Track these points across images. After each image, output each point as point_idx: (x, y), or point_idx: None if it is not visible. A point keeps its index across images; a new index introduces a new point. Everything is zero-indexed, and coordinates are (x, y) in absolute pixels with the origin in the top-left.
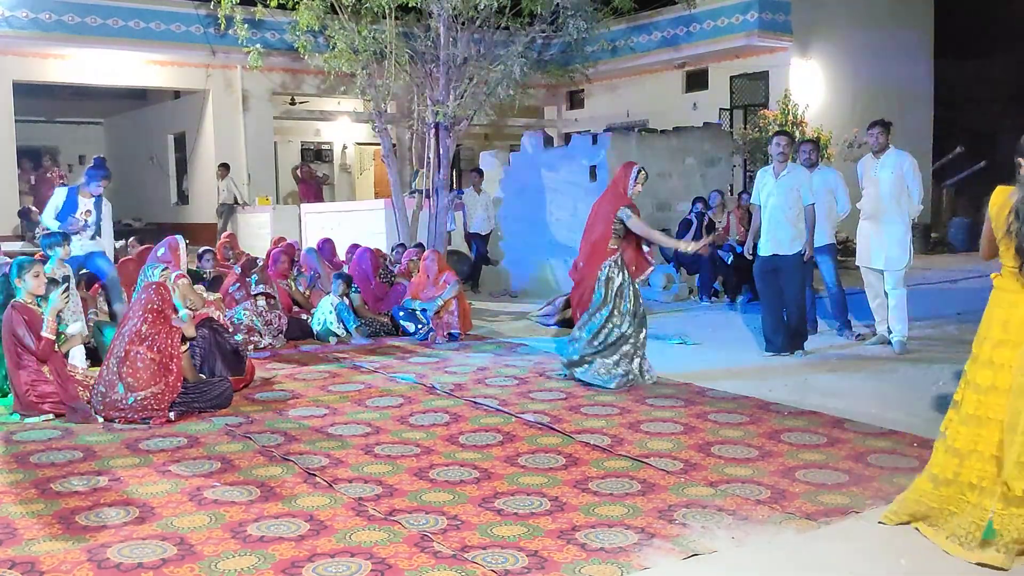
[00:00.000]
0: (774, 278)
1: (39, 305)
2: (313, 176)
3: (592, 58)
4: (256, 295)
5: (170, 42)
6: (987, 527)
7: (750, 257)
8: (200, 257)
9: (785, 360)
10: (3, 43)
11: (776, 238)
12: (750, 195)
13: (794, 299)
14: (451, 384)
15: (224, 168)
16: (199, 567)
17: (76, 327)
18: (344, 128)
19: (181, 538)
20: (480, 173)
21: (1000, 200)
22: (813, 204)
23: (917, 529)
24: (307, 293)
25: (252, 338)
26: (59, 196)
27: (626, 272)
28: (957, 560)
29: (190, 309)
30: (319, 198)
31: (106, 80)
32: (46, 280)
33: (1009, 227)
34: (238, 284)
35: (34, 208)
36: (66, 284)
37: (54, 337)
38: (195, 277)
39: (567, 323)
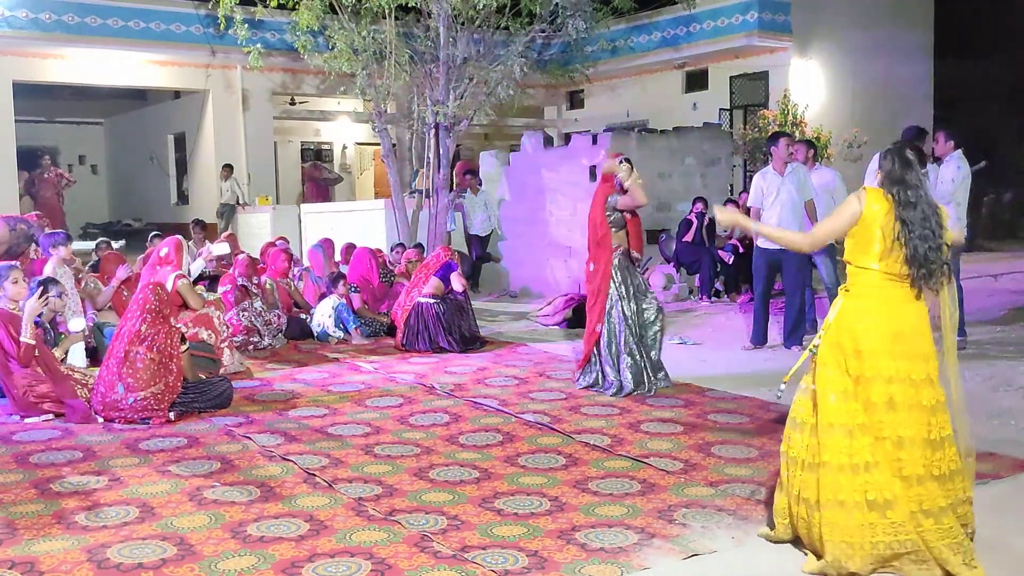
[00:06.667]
0: (774, 273)
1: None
2: (323, 176)
3: (592, 58)
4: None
5: (170, 42)
6: None
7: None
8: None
9: (785, 359)
10: (3, 43)
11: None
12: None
13: (795, 292)
14: (451, 384)
15: (228, 168)
16: (199, 567)
17: (76, 323)
18: (344, 128)
19: (181, 538)
20: (475, 174)
21: (882, 204)
22: (812, 199)
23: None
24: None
25: (252, 339)
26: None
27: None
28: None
29: (192, 309)
30: (326, 198)
31: (106, 80)
32: (27, 284)
33: (898, 235)
34: (230, 286)
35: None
36: (43, 288)
37: (33, 342)
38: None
39: (568, 322)
